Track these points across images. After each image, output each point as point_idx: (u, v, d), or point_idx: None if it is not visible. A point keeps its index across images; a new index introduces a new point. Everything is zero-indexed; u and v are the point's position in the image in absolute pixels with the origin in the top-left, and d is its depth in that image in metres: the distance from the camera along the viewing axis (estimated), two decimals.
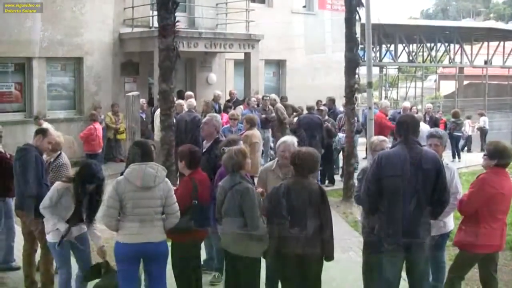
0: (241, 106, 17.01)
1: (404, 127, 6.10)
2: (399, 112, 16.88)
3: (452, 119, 21.35)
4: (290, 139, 7.01)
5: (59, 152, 8.04)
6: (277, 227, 6.00)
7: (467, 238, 6.43)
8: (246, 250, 6.12)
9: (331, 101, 17.07)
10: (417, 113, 18.00)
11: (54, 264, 7.26)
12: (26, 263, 7.82)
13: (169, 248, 6.41)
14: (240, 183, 6.12)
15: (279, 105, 16.51)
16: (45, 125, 11.92)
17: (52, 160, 7.91)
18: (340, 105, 17.77)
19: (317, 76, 24.16)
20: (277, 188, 6.11)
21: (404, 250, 5.98)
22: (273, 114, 16.74)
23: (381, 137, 7.56)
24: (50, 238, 6.70)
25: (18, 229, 8.45)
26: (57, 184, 6.67)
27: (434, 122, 17.18)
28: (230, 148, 6.44)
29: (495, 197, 6.32)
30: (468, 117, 23.67)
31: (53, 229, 6.59)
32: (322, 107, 15.55)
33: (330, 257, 6.16)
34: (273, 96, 17.26)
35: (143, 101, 17.11)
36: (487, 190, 6.32)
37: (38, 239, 7.45)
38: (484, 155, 6.67)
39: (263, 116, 16.24)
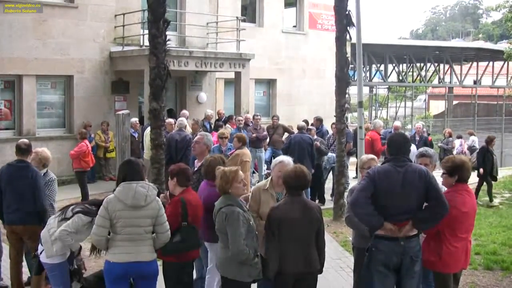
0: (229, 125, 17.00)
1: (395, 145, 6.12)
2: (390, 131, 16.89)
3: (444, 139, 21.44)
4: (287, 159, 6.87)
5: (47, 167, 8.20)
6: (279, 246, 5.94)
7: (430, 257, 6.21)
8: (234, 273, 6.00)
9: (319, 121, 17.11)
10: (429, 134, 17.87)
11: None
12: (13, 272, 7.88)
13: (160, 268, 6.34)
14: (227, 205, 5.99)
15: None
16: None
17: (42, 175, 7.90)
18: (327, 125, 17.79)
19: (308, 96, 24.24)
20: (276, 207, 6.08)
21: (395, 269, 5.94)
22: (265, 133, 16.73)
23: (370, 155, 7.55)
24: (53, 260, 6.63)
25: (6, 247, 8.36)
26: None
27: (424, 142, 17.17)
28: (222, 169, 6.29)
29: (457, 217, 6.11)
30: (459, 137, 23.73)
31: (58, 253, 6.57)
32: (310, 127, 15.56)
33: (320, 270, 6.19)
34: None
35: (135, 120, 17.06)
36: (449, 211, 5.99)
37: (32, 250, 7.48)
38: (443, 173, 6.45)
39: (254, 135, 16.22)
